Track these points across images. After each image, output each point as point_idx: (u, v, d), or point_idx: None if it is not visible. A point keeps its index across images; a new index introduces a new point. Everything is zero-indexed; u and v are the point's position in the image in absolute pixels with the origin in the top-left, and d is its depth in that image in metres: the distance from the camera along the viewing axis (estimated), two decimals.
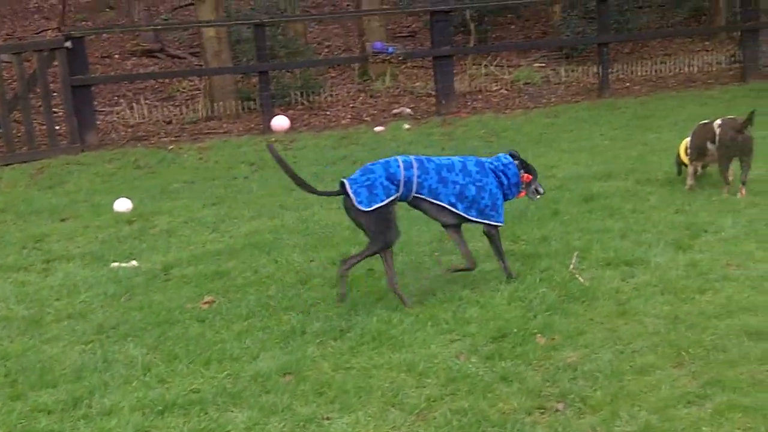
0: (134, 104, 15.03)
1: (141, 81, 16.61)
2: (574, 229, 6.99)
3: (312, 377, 4.69)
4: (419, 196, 5.75)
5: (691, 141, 8.01)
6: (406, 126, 12.90)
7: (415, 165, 5.72)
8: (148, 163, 11.35)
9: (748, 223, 6.79)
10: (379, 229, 5.61)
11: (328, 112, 14.74)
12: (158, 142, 13.05)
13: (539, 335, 5.03)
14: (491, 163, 5.97)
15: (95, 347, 5.31)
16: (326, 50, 19.24)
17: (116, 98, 15.87)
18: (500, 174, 5.93)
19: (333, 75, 17.14)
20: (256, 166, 10.65)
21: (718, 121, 7.76)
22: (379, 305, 5.65)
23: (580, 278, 5.86)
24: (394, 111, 14.46)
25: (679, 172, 8.26)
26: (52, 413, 4.46)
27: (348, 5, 21.45)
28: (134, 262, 6.92)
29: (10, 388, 4.79)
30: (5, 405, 4.56)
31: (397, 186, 5.64)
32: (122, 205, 8.67)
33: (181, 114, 14.70)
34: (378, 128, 12.92)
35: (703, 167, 8.19)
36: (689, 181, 8.04)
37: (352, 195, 5.56)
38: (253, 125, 13.77)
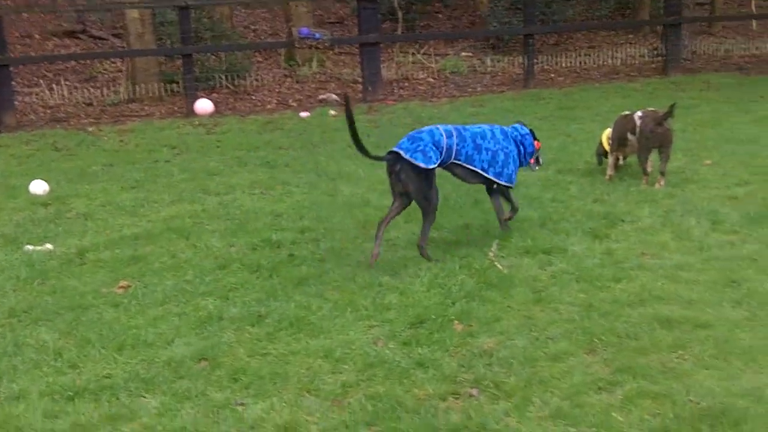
0: (54, 85, 14.69)
1: (62, 62, 16.24)
2: (494, 217, 7.00)
3: (227, 363, 4.63)
4: (457, 162, 6.23)
5: (613, 132, 8.13)
6: (332, 112, 12.84)
7: (455, 134, 6.18)
8: (67, 145, 11.10)
9: (664, 214, 6.92)
10: (426, 193, 6.05)
11: (253, 97, 14.61)
12: (78, 124, 12.78)
13: (457, 322, 5.05)
14: (512, 132, 6.54)
15: (5, 331, 5.17)
16: (252, 34, 19.05)
17: (36, 79, 15.49)
18: (519, 143, 6.52)
19: (259, 60, 16.99)
20: (178, 150, 10.49)
21: (639, 113, 7.88)
22: (299, 291, 5.61)
23: (499, 266, 5.90)
24: (321, 97, 14.39)
25: (600, 162, 8.38)
26: None
27: None
28: (48, 246, 6.76)
29: None
30: None
31: (441, 152, 6.06)
32: (38, 187, 8.46)
33: (103, 96, 14.42)
34: (303, 114, 12.84)
35: (624, 158, 8.33)
36: (609, 172, 8.16)
37: (410, 158, 5.91)
38: (176, 108, 13.57)
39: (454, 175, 6.42)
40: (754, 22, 20.18)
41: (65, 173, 9.36)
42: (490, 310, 5.21)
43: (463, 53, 17.56)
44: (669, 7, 15.70)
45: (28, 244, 6.84)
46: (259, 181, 8.67)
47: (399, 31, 17.87)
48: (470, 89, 14.95)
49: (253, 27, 19.58)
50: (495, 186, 6.49)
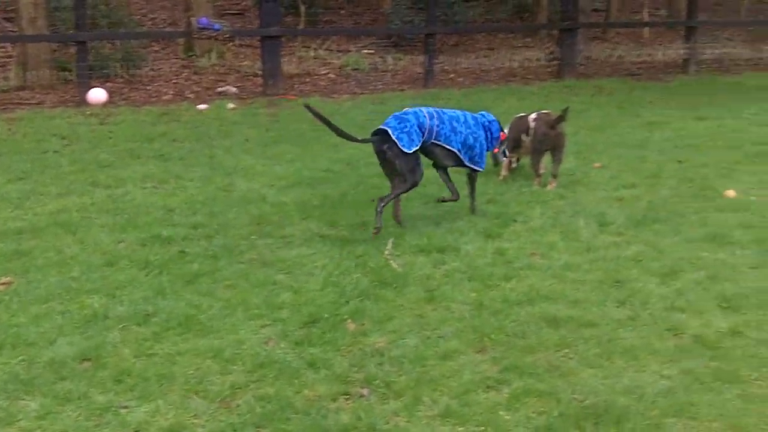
0: None
1: None
2: (391, 215, 7.06)
3: (112, 364, 4.51)
4: (436, 142, 6.66)
5: (508, 133, 8.25)
6: (231, 105, 12.71)
7: (435, 116, 6.63)
8: None
9: (554, 215, 7.07)
10: (411, 170, 6.48)
11: (149, 87, 14.32)
12: None
13: (350, 321, 5.05)
14: (480, 119, 7.00)
15: None
16: (150, 23, 18.70)
17: None
18: (487, 129, 6.96)
19: (156, 49, 16.68)
20: (68, 141, 10.19)
21: (534, 115, 8.03)
22: (189, 289, 5.52)
23: (393, 264, 5.93)
24: (219, 89, 14.22)
25: (495, 163, 8.49)
26: None
27: None
28: None
29: None
30: None
31: (423, 133, 6.52)
32: None
33: None
34: (201, 106, 12.67)
35: (518, 159, 8.47)
36: (503, 172, 8.29)
37: (396, 139, 6.34)
38: (68, 97, 13.20)
39: (430, 155, 6.78)
40: (646, 30, 20.77)
41: None
42: (383, 309, 5.22)
43: (365, 50, 17.59)
44: (565, 13, 16.03)
45: None
46: (152, 174, 8.52)
47: (301, 26, 17.78)
48: (371, 87, 14.98)
49: (151, 15, 19.22)
50: (468, 172, 7.01)
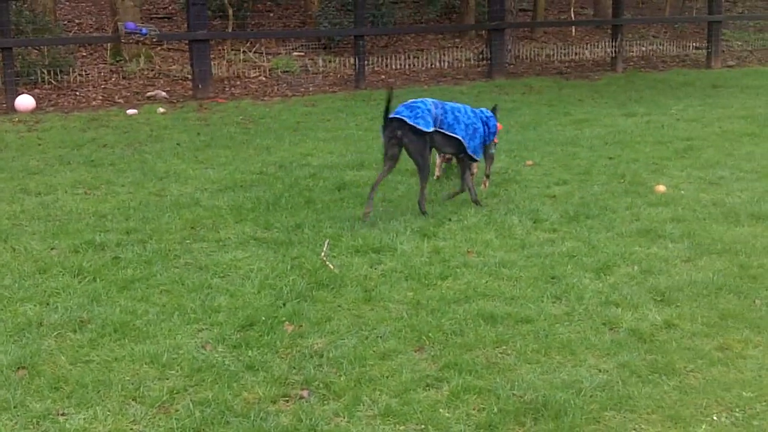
0: None
1: None
2: (326, 217, 7.06)
3: (48, 372, 4.44)
4: (440, 130, 7.00)
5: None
6: (161, 109, 12.57)
7: (439, 105, 7.03)
8: None
9: (488, 213, 7.13)
10: (423, 152, 6.92)
11: (77, 93, 14.10)
12: None
13: (287, 323, 5.03)
14: (479, 113, 7.34)
15: None
16: (77, 28, 18.39)
17: None
18: (484, 122, 7.30)
19: (84, 54, 16.41)
20: None
21: None
22: (124, 295, 5.45)
23: (330, 265, 5.92)
24: (149, 94, 14.05)
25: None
26: None
27: None
28: None
29: None
30: None
31: (433, 120, 6.90)
32: None
33: None
34: (131, 111, 12.51)
35: (449, 159, 8.50)
36: (437, 172, 8.33)
37: (413, 123, 6.75)
38: None
39: (431, 142, 7.03)
40: (573, 29, 21.08)
41: None
42: (320, 310, 5.21)
43: (295, 53, 17.54)
44: (493, 13, 16.18)
45: None
46: (83, 180, 8.38)
47: (230, 29, 17.65)
48: (302, 89, 14.96)
49: (77, 21, 18.90)
50: (466, 161, 7.32)
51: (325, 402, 4.17)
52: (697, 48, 19.40)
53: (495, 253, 6.21)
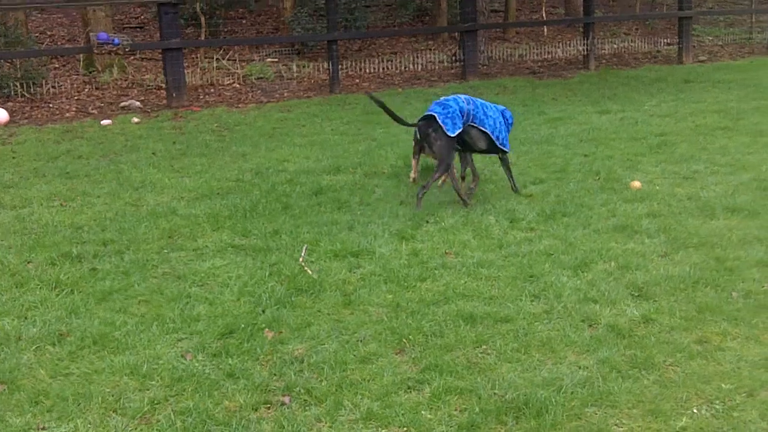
0: None
1: None
2: (303, 222, 7.06)
3: (27, 386, 4.41)
4: (472, 124, 7.34)
5: (415, 134, 8.31)
6: (136, 119, 12.51)
7: (471, 101, 7.36)
8: None
9: (465, 214, 7.15)
10: (448, 152, 7.21)
11: (51, 105, 14.00)
12: None
13: (267, 329, 5.02)
14: (496, 107, 7.63)
15: None
16: (49, 40, 18.29)
17: None
18: (502, 114, 7.62)
19: (56, 66, 16.32)
20: None
21: None
22: (102, 307, 5.42)
23: (308, 270, 5.92)
24: (123, 104, 13.98)
25: None
26: None
27: None
28: None
29: None
30: None
31: (463, 117, 7.21)
32: None
33: None
34: (105, 121, 12.44)
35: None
36: (413, 174, 8.33)
37: (442, 124, 7.07)
38: None
39: (466, 135, 7.35)
40: (545, 28, 21.17)
41: None
42: (300, 316, 5.21)
43: (269, 59, 17.52)
44: (465, 15, 16.22)
45: None
46: (58, 192, 8.33)
47: (202, 37, 17.60)
48: (277, 95, 14.93)
49: (49, 32, 18.79)
50: (500, 155, 7.72)
51: (307, 408, 4.17)
52: (668, 44, 19.53)
53: (473, 254, 6.23)
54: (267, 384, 4.39)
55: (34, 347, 4.86)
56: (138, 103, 13.94)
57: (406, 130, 10.82)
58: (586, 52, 17.52)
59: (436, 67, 17.11)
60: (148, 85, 15.27)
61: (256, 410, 4.16)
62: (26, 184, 8.72)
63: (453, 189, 7.50)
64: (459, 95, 7.47)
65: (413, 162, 8.33)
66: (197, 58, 16.80)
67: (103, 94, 14.81)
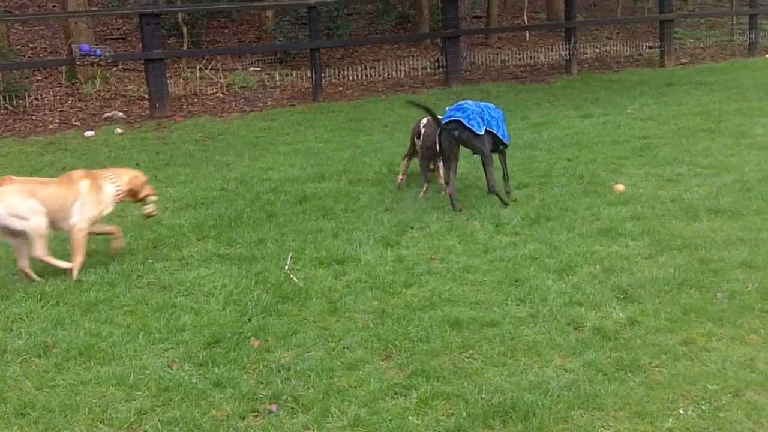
0: None
1: None
2: (289, 230, 7.06)
3: (13, 398, 4.40)
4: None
5: (412, 136, 8.33)
6: (119, 130, 12.49)
7: (477, 104, 7.70)
8: None
9: (450, 219, 7.16)
10: (484, 145, 7.51)
11: (33, 117, 13.96)
12: None
13: (253, 338, 5.02)
14: (486, 105, 7.87)
15: None
16: (31, 52, 18.22)
17: None
18: (499, 112, 7.94)
19: (39, 78, 16.27)
20: None
21: (425, 120, 8.12)
22: (88, 318, 5.41)
23: (294, 278, 5.92)
24: (106, 115, 13.95)
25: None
26: None
27: (54, 6, 20.45)
28: None
29: None
30: None
31: (482, 119, 7.52)
32: None
33: None
34: (88, 133, 12.42)
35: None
36: (400, 176, 8.34)
37: (469, 125, 7.37)
38: None
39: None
40: (527, 34, 21.24)
41: None
42: (286, 324, 5.21)
43: (252, 68, 17.52)
44: (447, 21, 16.26)
45: None
46: None
47: (185, 47, 17.58)
48: (260, 104, 14.93)
49: (31, 45, 18.72)
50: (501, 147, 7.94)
51: (294, 415, 4.17)
52: (650, 47, 19.64)
53: (458, 259, 6.24)
54: (254, 392, 4.38)
55: (20, 359, 4.85)
56: (121, 114, 13.91)
57: (389, 137, 10.87)
58: (568, 57, 17.59)
59: (419, 74, 17.15)
60: (131, 96, 15.24)
61: (243, 419, 4.16)
62: None
63: (448, 194, 7.56)
64: (468, 101, 7.70)
65: (402, 164, 8.34)
66: (180, 68, 16.78)
67: (86, 105, 14.77)
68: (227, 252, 6.61)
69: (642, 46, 19.81)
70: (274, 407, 4.23)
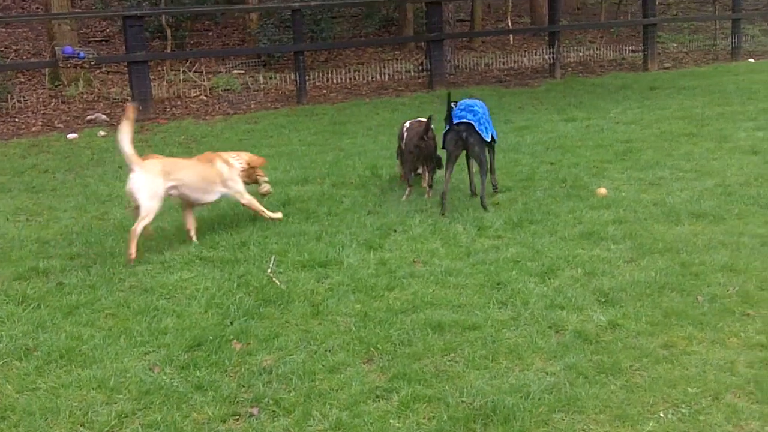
0: None
1: None
2: (272, 233, 7.05)
3: None
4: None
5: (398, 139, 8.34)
6: (102, 133, 12.44)
7: (480, 104, 7.88)
8: None
9: (433, 222, 7.17)
10: (484, 152, 7.68)
11: (16, 119, 13.89)
12: None
13: (235, 341, 5.01)
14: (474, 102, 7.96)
15: None
16: (14, 54, 18.14)
17: None
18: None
19: (22, 80, 16.20)
20: None
21: (407, 124, 8.13)
22: (69, 321, 5.39)
23: (277, 281, 5.91)
24: (89, 117, 13.90)
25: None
26: None
27: (38, 8, 20.36)
28: None
29: None
30: None
31: (489, 122, 7.76)
32: None
33: None
34: (71, 135, 12.37)
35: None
36: (402, 178, 8.28)
37: (479, 131, 7.52)
38: None
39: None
40: (511, 37, 21.29)
41: None
42: (268, 327, 5.20)
43: (236, 71, 17.49)
44: (431, 24, 16.28)
45: None
46: (24, 207, 8.27)
47: (168, 49, 17.53)
48: (244, 106, 14.90)
49: (14, 47, 18.63)
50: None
51: (276, 418, 4.17)
52: (633, 51, 19.70)
53: (441, 262, 6.25)
54: (235, 395, 4.38)
55: (0, 362, 4.83)
56: (104, 117, 13.87)
57: (373, 140, 10.88)
58: (551, 61, 17.63)
59: (403, 77, 17.16)
60: (114, 99, 15.19)
61: (224, 422, 4.15)
62: None
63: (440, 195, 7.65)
64: (476, 101, 7.90)
65: (398, 166, 8.31)
66: (163, 70, 16.73)
67: (69, 107, 14.72)
68: (210, 255, 6.59)
69: (625, 50, 19.87)
70: (255, 410, 4.23)
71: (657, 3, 19.61)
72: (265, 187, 7.66)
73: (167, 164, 6.87)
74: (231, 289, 5.84)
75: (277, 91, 16.04)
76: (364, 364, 4.69)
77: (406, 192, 7.99)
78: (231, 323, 5.26)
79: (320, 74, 16.68)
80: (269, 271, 6.11)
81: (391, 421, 4.09)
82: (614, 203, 7.57)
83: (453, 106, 7.86)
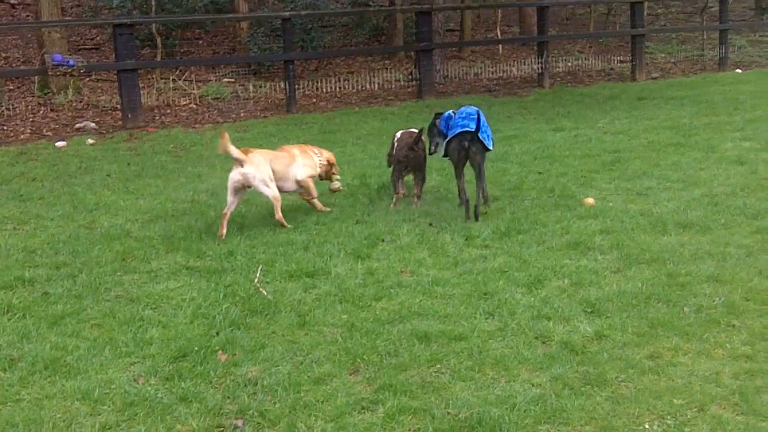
0: None
1: None
2: (259, 243, 7.03)
3: None
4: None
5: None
6: (91, 141, 12.42)
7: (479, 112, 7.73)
8: None
9: (421, 232, 7.17)
10: (485, 161, 7.80)
11: (5, 127, 13.85)
12: None
13: (221, 352, 4.99)
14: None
15: None
16: (3, 62, 18.11)
17: None
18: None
19: (11, 88, 16.15)
20: None
21: (398, 134, 8.14)
22: (54, 331, 5.36)
23: (263, 291, 5.90)
24: (78, 125, 13.87)
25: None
26: None
27: (28, 15, 20.33)
28: None
29: None
30: None
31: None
32: None
33: None
34: (60, 143, 12.34)
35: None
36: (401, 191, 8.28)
37: (482, 138, 7.53)
38: None
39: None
40: (500, 47, 21.33)
41: None
42: (254, 338, 5.19)
43: (225, 79, 17.48)
44: (421, 34, 16.31)
45: None
46: (11, 216, 8.24)
47: (158, 58, 17.52)
48: (234, 115, 14.89)
49: (3, 54, 18.59)
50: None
51: (260, 430, 4.16)
52: (621, 61, 19.77)
53: (428, 272, 6.25)
54: (220, 407, 4.36)
55: None
56: (93, 125, 13.84)
57: (362, 149, 10.88)
58: (540, 71, 17.67)
59: (393, 86, 17.18)
60: (104, 107, 15.17)
61: None
62: None
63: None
64: (478, 111, 7.73)
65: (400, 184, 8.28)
66: (153, 78, 16.71)
67: (58, 115, 14.68)
68: (196, 264, 6.58)
69: (614, 60, 19.94)
70: (240, 422, 4.21)
71: (645, 14, 19.68)
72: (336, 185, 8.10)
73: (266, 154, 7.61)
74: (217, 299, 5.82)
75: (266, 99, 16.03)
76: (350, 375, 4.68)
77: (393, 200, 7.99)
78: (217, 334, 5.24)
79: (310, 83, 16.69)
80: (256, 281, 6.10)
81: None
82: (601, 213, 7.58)
83: (437, 122, 7.89)
